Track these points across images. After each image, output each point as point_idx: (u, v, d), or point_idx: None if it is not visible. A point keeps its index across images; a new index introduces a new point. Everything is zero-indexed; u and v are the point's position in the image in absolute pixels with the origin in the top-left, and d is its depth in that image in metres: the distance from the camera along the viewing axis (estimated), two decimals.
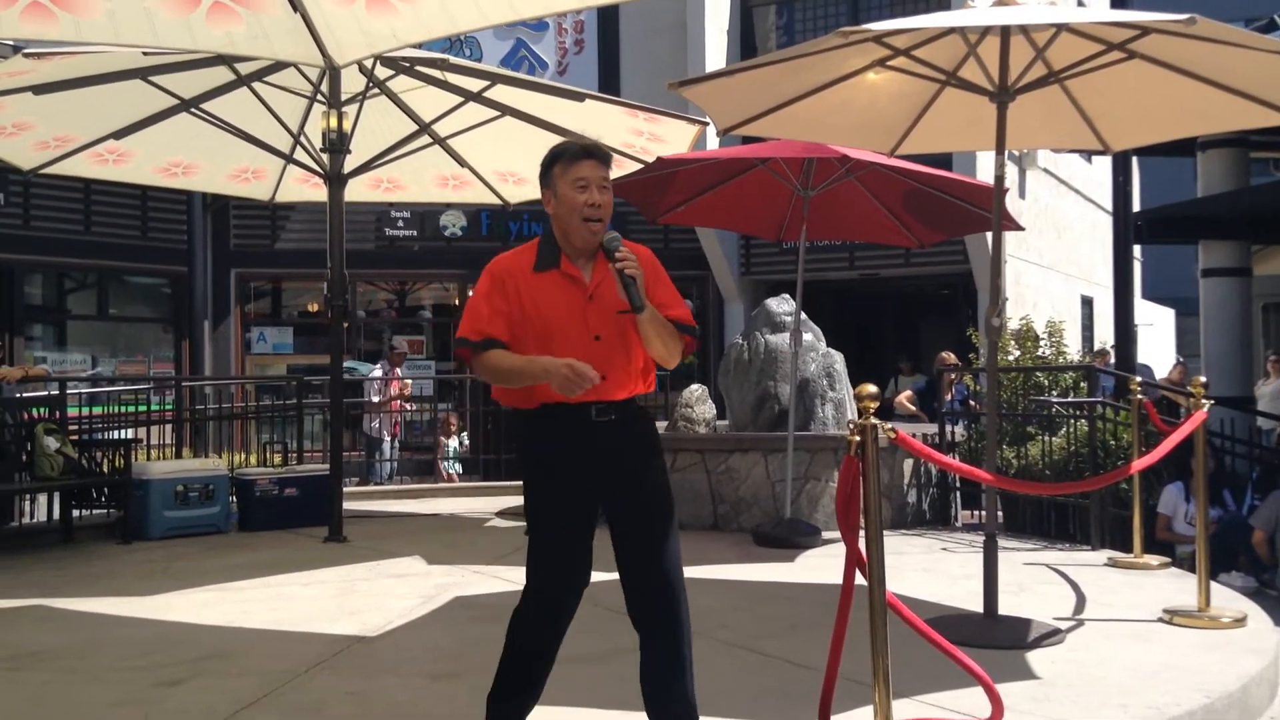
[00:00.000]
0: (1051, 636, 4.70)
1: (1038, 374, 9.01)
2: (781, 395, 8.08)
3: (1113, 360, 11.19)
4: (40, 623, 5.29)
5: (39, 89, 7.15)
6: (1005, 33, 4.78)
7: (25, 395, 8.46)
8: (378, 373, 13.06)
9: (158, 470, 7.91)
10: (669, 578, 3.18)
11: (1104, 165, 17.35)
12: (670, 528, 3.23)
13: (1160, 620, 5.03)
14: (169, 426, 9.85)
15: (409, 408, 13.04)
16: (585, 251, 3.21)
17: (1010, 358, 9.39)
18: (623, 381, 3.19)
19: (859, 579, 3.18)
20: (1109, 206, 14.83)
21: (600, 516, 3.21)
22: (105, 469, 7.85)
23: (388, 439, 12.62)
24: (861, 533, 3.18)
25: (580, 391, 2.98)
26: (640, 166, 8.02)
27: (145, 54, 6.99)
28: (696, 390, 8.72)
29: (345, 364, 15.25)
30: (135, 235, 14.42)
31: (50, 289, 14.63)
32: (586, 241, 3.18)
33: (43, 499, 8.05)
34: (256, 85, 7.64)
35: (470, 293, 3.29)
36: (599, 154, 3.22)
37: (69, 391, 8.74)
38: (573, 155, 3.20)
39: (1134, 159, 9.85)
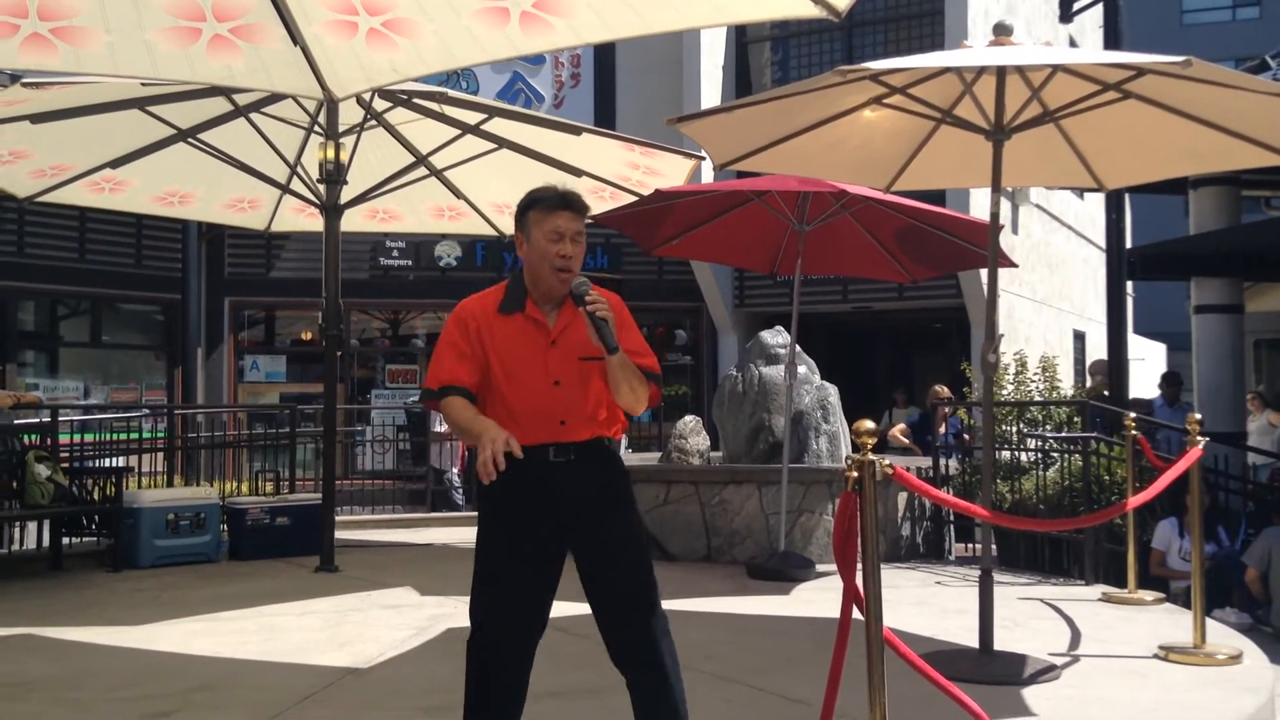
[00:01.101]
0: (1047, 672, 4.69)
1: (1031, 408, 9.02)
2: (776, 427, 8.08)
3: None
4: (29, 652, 5.25)
5: (36, 118, 7.17)
6: (1001, 72, 4.83)
7: (17, 422, 8.43)
8: None
9: (149, 498, 7.87)
10: (643, 623, 3.16)
11: (1095, 201, 17.47)
12: (639, 571, 3.21)
13: (1155, 657, 5.03)
14: (161, 454, 9.80)
15: None
16: (552, 298, 3.22)
17: (1005, 392, 9.41)
18: (582, 426, 3.19)
19: (855, 614, 3.18)
20: (1100, 242, 14.91)
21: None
22: (96, 497, 7.81)
23: (454, 469, 12.54)
24: (858, 567, 3.18)
25: (486, 476, 2.91)
26: (635, 199, 8.07)
27: (143, 84, 7.03)
28: (690, 421, 8.72)
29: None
30: (130, 263, 14.41)
31: (44, 316, 14.61)
32: (555, 290, 3.20)
33: (32, 527, 8.01)
34: (254, 116, 7.68)
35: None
36: (575, 205, 3.22)
37: (61, 419, 8.70)
38: (549, 204, 3.20)
39: (1126, 196, 9.91)
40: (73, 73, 6.14)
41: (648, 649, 3.16)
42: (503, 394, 3.16)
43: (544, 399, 3.14)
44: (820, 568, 7.24)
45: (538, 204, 3.22)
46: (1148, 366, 22.64)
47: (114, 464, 8.55)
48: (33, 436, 8.09)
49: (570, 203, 3.21)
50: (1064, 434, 8.44)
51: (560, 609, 3.30)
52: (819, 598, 6.47)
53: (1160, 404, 11.50)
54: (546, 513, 3.15)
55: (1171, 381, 11.86)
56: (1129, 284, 13.03)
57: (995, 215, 5.09)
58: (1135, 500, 5.29)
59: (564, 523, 3.17)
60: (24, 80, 7.06)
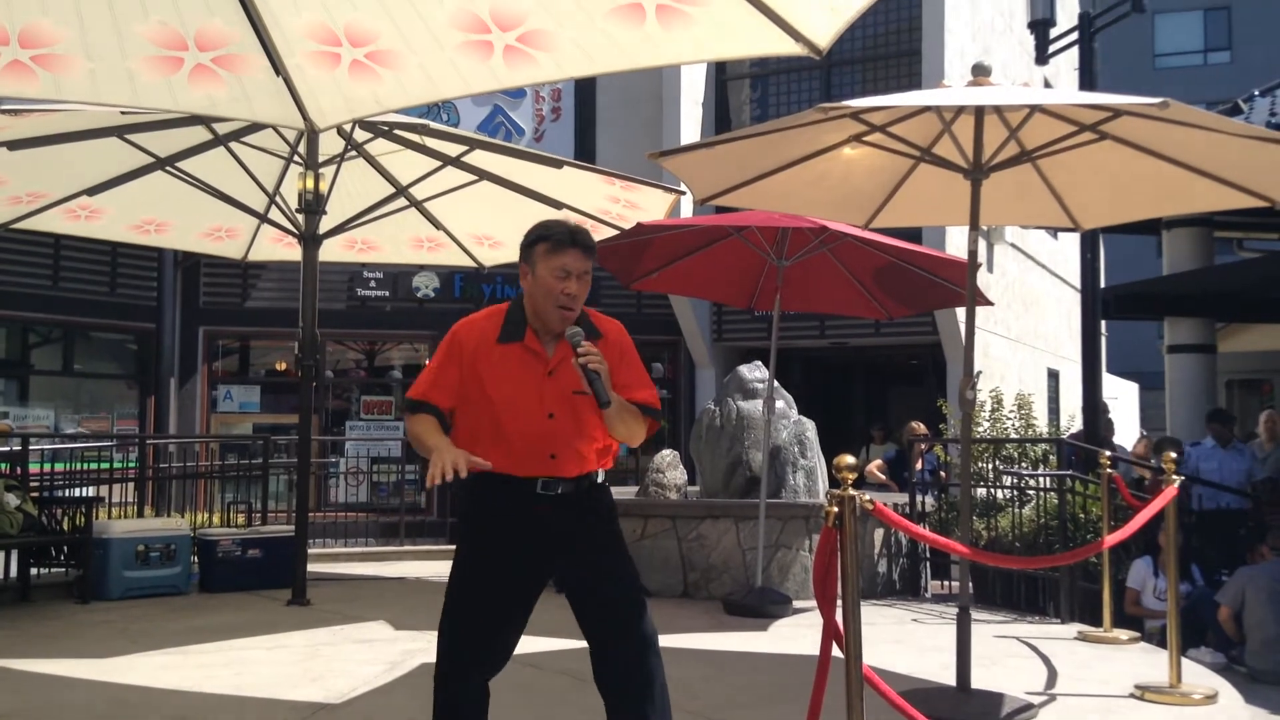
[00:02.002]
0: (1024, 711, 4.68)
1: (1007, 445, 9.06)
2: (753, 462, 8.07)
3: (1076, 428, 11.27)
4: None
5: (14, 145, 7.14)
6: (979, 112, 4.88)
7: None
8: None
9: (119, 529, 7.77)
10: (636, 654, 3.15)
11: (1069, 240, 17.63)
12: (633, 601, 3.20)
13: (1132, 696, 5.02)
14: (131, 485, 9.70)
15: None
16: (552, 331, 3.22)
17: (981, 429, 9.45)
18: (573, 460, 3.19)
19: (835, 651, 3.16)
20: (1074, 281, 15.02)
21: (554, 588, 3.20)
22: (65, 527, 7.71)
23: None
24: (838, 604, 3.16)
25: (430, 479, 2.98)
26: (615, 233, 8.08)
27: (123, 112, 7.00)
28: (668, 456, 8.70)
29: None
30: (104, 291, 14.31)
31: (15, 344, 14.46)
32: (558, 326, 3.20)
33: (0, 556, 7.89)
34: (234, 145, 7.66)
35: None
36: (584, 244, 3.20)
37: (31, 448, 8.60)
38: (559, 241, 3.18)
39: (1100, 236, 10.03)
40: (53, 100, 6.11)
41: (640, 680, 3.14)
42: (498, 421, 3.15)
43: (537, 429, 3.14)
44: (797, 604, 7.21)
45: (546, 239, 3.20)
46: (1120, 405, 22.81)
47: (84, 494, 8.45)
48: (2, 465, 7.99)
49: (579, 241, 3.20)
50: (1040, 471, 8.47)
51: (536, 645, 3.27)
52: (796, 634, 6.44)
53: (1210, 447, 9.97)
54: (532, 546, 3.13)
55: (1223, 419, 10.12)
56: (1103, 323, 13.14)
57: (973, 253, 5.12)
58: (1112, 539, 5.31)
59: (546, 556, 3.15)
60: (2, 107, 7.03)
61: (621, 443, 3.28)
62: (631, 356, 3.29)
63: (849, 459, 3.13)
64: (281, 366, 15.88)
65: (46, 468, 8.82)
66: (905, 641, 6.35)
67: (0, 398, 13.80)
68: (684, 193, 8.54)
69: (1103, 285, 10.78)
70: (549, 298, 3.16)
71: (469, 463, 2.95)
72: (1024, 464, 8.94)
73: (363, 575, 9.13)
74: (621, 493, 9.40)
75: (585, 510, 3.22)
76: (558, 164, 8.15)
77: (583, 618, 3.19)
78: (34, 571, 7.69)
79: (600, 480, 3.30)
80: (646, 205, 8.56)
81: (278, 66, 5.20)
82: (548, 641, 3.17)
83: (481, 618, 3.13)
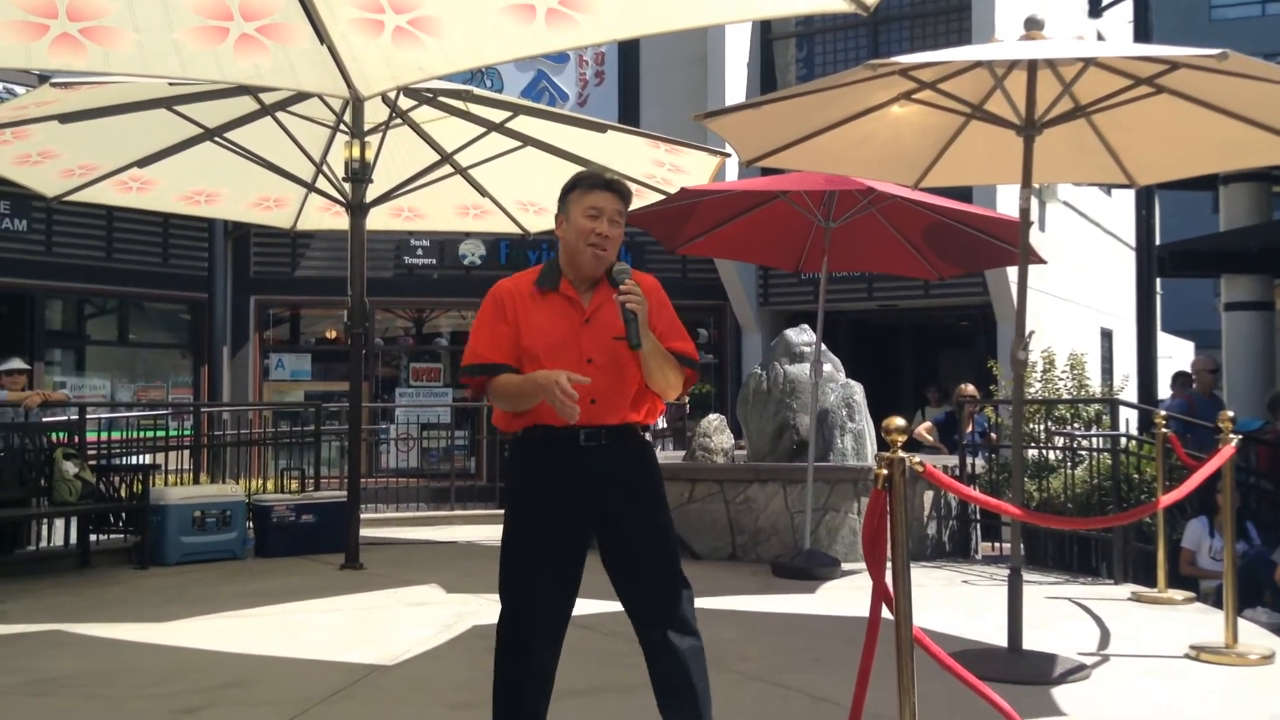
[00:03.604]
0: (1077, 672, 4.65)
1: (1060, 406, 8.95)
2: (800, 425, 8.05)
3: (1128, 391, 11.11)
4: (59, 648, 5.28)
5: (65, 118, 7.22)
6: (1032, 66, 4.78)
7: (45, 420, 8.50)
8: None
9: (175, 496, 7.91)
10: (666, 607, 3.15)
11: (1122, 198, 17.32)
12: (666, 555, 3.19)
13: (1187, 657, 4.97)
14: (187, 452, 9.86)
15: None
16: (589, 279, 3.22)
17: (1033, 390, 9.35)
18: (615, 407, 3.18)
19: (884, 613, 3.15)
20: (1127, 239, 14.76)
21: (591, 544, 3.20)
22: (123, 494, 7.86)
23: None
24: (887, 566, 3.15)
25: (570, 415, 2.94)
26: (661, 197, 8.05)
27: (171, 84, 7.06)
28: (715, 420, 8.69)
29: None
30: (156, 262, 14.49)
31: (70, 315, 14.70)
32: (591, 268, 3.20)
33: (60, 523, 8.07)
34: (280, 115, 7.70)
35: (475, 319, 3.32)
36: (618, 188, 3.24)
37: (88, 417, 8.76)
38: (590, 184, 3.23)
39: (1155, 192, 9.83)
40: (101, 73, 6.17)
41: (676, 638, 3.14)
42: (539, 369, 3.14)
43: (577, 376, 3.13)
44: (845, 566, 7.21)
45: (579, 184, 3.25)
46: (1175, 364, 22.44)
47: (141, 461, 8.60)
48: (60, 434, 8.15)
49: (611, 184, 3.24)
50: (1094, 432, 8.36)
51: (587, 607, 3.28)
52: (845, 596, 6.44)
53: None
54: (578, 496, 3.13)
55: None
56: (1158, 281, 12.93)
57: (1025, 211, 5.04)
58: (1168, 499, 5.24)
59: (592, 506, 3.15)
60: (53, 80, 7.11)
61: (658, 394, 3.26)
62: (667, 307, 3.29)
63: (899, 421, 3.10)
64: (331, 334, 16.03)
65: (104, 436, 8.98)
66: (956, 603, 6.32)
67: (58, 368, 14.06)
68: (729, 155, 8.48)
69: (1158, 242, 10.57)
70: (581, 238, 3.17)
71: (570, 380, 2.94)
72: (1077, 425, 8.83)
73: (414, 540, 9.23)
74: (669, 456, 9.42)
75: (632, 460, 3.21)
76: (602, 128, 8.12)
77: (620, 591, 3.19)
78: (93, 538, 7.86)
79: (643, 434, 3.29)
80: (691, 168, 8.51)
81: (322, 35, 5.22)
82: (599, 604, 3.18)
83: (536, 574, 3.13)
